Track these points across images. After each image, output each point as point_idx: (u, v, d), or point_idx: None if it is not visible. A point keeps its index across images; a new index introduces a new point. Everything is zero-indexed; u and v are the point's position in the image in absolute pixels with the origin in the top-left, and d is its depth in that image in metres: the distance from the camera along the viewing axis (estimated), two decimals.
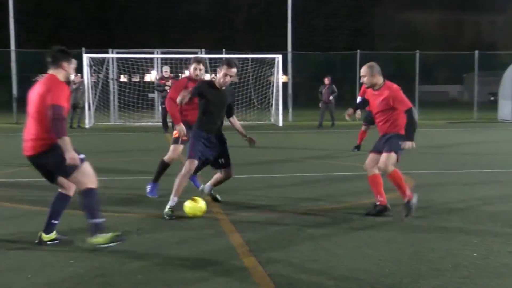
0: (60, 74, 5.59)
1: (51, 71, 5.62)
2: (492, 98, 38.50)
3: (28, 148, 5.54)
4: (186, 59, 26.37)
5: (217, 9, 58.39)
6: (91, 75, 24.81)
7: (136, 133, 20.92)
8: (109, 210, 7.39)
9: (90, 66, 24.60)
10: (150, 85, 26.65)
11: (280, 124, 24.42)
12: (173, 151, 8.36)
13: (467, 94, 50.80)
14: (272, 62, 26.10)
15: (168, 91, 19.98)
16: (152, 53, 26.59)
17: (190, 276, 4.87)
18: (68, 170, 5.47)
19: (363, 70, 7.12)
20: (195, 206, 6.96)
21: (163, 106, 20.66)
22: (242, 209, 7.46)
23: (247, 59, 26.70)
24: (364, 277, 4.82)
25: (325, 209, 7.55)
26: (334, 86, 22.74)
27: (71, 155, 5.32)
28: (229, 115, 7.54)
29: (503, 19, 71.33)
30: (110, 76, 26.35)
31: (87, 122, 23.65)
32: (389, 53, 40.85)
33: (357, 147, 14.19)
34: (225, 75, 7.12)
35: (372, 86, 7.10)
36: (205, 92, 7.10)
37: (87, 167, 5.62)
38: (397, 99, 6.92)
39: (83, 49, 25.31)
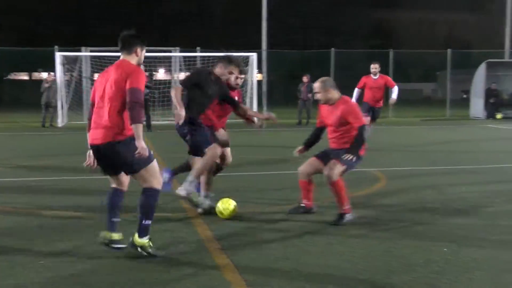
0: (133, 60, 5.30)
1: (123, 57, 5.32)
2: (464, 96, 38.93)
3: (99, 136, 5.13)
4: (161, 57, 26.26)
5: (192, 7, 58.22)
6: (64, 74, 24.56)
7: None
8: (81, 210, 7.35)
9: (63, 65, 24.35)
10: None
11: (255, 121, 24.41)
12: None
13: (441, 92, 51.34)
14: (246, 60, 26.11)
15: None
16: None
17: (164, 276, 4.84)
18: (137, 165, 5.15)
19: (316, 86, 6.92)
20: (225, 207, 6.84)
21: None
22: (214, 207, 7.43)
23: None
24: (336, 274, 4.84)
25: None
26: (312, 84, 23.09)
27: (142, 144, 4.97)
28: (237, 109, 7.28)
29: (476, 18, 72.19)
30: (84, 74, 26.11)
31: (60, 121, 23.42)
32: (363, 51, 41.20)
33: None
34: (231, 73, 6.99)
35: (327, 101, 6.88)
36: (203, 83, 6.78)
37: (155, 166, 5.29)
38: (353, 114, 6.71)
39: (56, 47, 25.05)
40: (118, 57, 5.46)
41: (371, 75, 14.47)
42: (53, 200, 8.07)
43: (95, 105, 5.25)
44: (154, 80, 26.09)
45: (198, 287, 4.58)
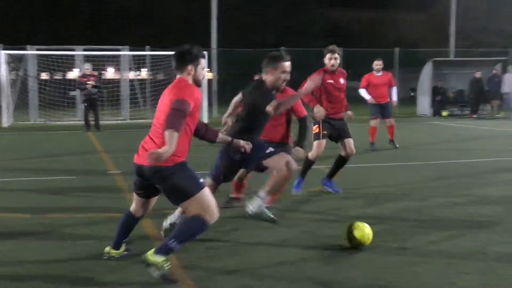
0: (188, 78, 4.84)
1: (178, 75, 4.88)
2: (412, 94, 39.65)
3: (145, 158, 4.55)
4: (109, 56, 25.87)
5: (140, 5, 57.60)
6: (9, 73, 23.95)
7: (57, 132, 20.36)
8: (26, 212, 7.19)
9: (8, 63, 23.74)
10: (72, 83, 25.98)
11: (206, 120, 24.34)
12: (318, 148, 8.03)
13: (390, 89, 52.17)
14: None
15: (89, 89, 19.64)
16: (74, 50, 25.94)
17: (107, 275, 4.76)
18: (181, 197, 4.70)
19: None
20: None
21: (85, 104, 20.22)
22: (160, 204, 7.35)
23: (171, 56, 26.39)
24: (283, 271, 4.84)
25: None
26: None
27: (167, 151, 4.41)
28: None
29: (422, 18, 73.65)
30: (30, 73, 25.51)
31: (5, 121, 22.84)
32: (314, 49, 41.44)
33: (372, 144, 13.83)
34: (283, 72, 5.94)
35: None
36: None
37: (206, 196, 4.77)
38: (297, 104, 6.80)
39: (1, 45, 24.39)
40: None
41: (374, 72, 14.17)
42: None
43: (152, 125, 4.86)
44: (103, 79, 25.72)
45: (145, 285, 4.52)
